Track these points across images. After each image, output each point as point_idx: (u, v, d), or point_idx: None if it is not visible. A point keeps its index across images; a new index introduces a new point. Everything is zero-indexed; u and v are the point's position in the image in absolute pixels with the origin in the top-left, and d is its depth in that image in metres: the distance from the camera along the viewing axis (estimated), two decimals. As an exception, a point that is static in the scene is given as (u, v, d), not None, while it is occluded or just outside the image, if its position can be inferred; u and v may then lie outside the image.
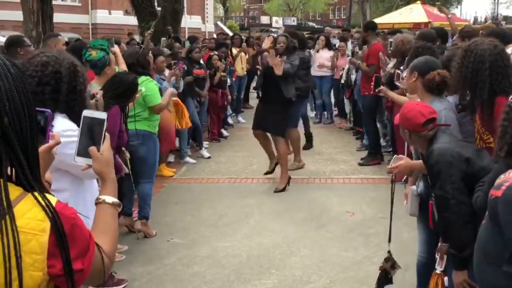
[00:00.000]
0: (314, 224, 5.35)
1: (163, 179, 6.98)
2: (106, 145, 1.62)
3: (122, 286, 4.11)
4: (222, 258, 4.58)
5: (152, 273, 4.33)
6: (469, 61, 2.92)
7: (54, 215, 1.26)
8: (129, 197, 5.15)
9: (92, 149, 1.59)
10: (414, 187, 3.14)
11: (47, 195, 1.32)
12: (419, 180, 3.17)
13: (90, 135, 1.61)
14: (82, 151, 1.61)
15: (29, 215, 1.25)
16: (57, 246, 1.27)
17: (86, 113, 1.63)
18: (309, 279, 4.18)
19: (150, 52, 6.43)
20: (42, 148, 1.57)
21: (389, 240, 3.34)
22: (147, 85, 4.91)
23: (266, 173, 6.93)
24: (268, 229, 5.23)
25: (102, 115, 1.63)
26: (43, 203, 1.26)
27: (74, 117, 2.38)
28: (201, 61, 8.59)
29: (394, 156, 3.19)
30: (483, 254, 2.00)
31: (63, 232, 1.27)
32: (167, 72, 6.88)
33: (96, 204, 1.62)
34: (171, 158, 7.83)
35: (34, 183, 1.29)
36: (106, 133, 1.62)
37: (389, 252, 3.32)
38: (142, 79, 4.86)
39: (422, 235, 3.29)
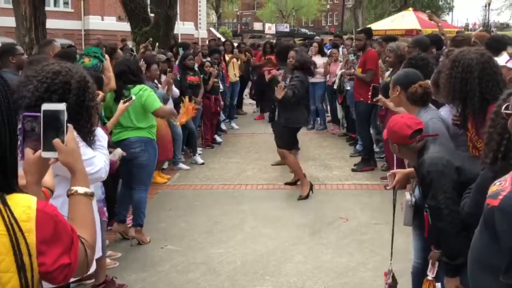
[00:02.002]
0: (308, 230, 5.35)
1: (157, 185, 6.95)
2: (69, 136, 1.61)
3: None
4: (216, 265, 4.56)
5: (146, 280, 4.31)
6: (457, 71, 2.92)
7: (12, 229, 1.30)
8: (125, 205, 5.14)
9: (56, 141, 1.58)
10: (409, 196, 3.15)
11: (27, 195, 1.38)
12: (414, 188, 3.18)
13: (52, 128, 1.59)
14: (48, 145, 1.58)
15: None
16: (43, 243, 1.33)
17: (45, 106, 1.60)
18: (303, 285, 4.18)
19: (143, 60, 6.41)
20: (37, 154, 1.59)
21: (391, 256, 3.31)
22: (143, 94, 4.89)
23: (287, 184, 6.91)
24: (263, 235, 5.22)
25: (61, 106, 1.61)
26: (5, 216, 1.31)
27: (78, 131, 2.38)
28: (195, 68, 8.59)
29: (388, 174, 3.21)
30: (478, 262, 1.99)
31: (18, 249, 1.31)
32: (162, 78, 6.87)
33: (68, 196, 1.62)
34: (165, 165, 7.80)
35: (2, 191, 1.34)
36: (69, 124, 1.61)
37: (391, 274, 3.28)
38: (137, 88, 4.86)
39: (417, 242, 3.29)
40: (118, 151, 4.22)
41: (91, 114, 2.41)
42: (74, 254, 1.40)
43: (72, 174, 1.64)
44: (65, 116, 1.60)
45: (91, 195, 1.64)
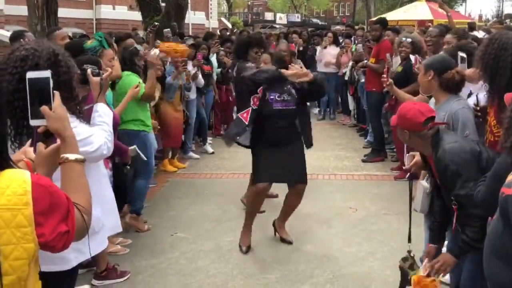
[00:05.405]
0: (317, 220, 5.36)
1: (167, 174, 7.00)
2: (57, 102, 1.62)
3: (125, 277, 4.15)
4: (225, 253, 4.59)
5: (155, 267, 4.35)
6: (493, 48, 2.84)
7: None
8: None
9: (44, 108, 1.59)
10: (426, 184, 3.11)
11: (19, 170, 1.44)
12: (426, 178, 3.16)
13: (39, 96, 1.60)
14: (35, 113, 1.60)
15: (9, 192, 1.35)
16: (40, 215, 1.37)
17: (30, 74, 1.61)
18: (312, 274, 4.19)
19: (145, 49, 6.40)
20: (50, 148, 1.65)
21: (409, 240, 3.24)
22: (128, 78, 4.90)
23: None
24: (271, 224, 5.23)
25: (46, 73, 1.62)
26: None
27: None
28: (212, 58, 8.60)
29: (408, 155, 3.17)
30: (493, 249, 1.99)
31: None
32: (189, 65, 6.92)
33: (60, 163, 1.64)
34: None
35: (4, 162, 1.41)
36: (55, 91, 1.62)
37: (409, 252, 3.18)
38: (125, 73, 4.91)
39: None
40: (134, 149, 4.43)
41: (71, 88, 2.27)
42: (71, 222, 1.45)
43: (61, 141, 1.64)
44: (51, 83, 1.61)
45: (82, 161, 1.65)
